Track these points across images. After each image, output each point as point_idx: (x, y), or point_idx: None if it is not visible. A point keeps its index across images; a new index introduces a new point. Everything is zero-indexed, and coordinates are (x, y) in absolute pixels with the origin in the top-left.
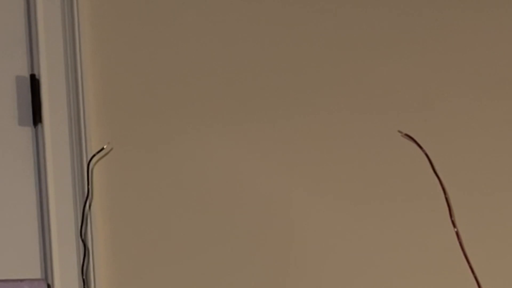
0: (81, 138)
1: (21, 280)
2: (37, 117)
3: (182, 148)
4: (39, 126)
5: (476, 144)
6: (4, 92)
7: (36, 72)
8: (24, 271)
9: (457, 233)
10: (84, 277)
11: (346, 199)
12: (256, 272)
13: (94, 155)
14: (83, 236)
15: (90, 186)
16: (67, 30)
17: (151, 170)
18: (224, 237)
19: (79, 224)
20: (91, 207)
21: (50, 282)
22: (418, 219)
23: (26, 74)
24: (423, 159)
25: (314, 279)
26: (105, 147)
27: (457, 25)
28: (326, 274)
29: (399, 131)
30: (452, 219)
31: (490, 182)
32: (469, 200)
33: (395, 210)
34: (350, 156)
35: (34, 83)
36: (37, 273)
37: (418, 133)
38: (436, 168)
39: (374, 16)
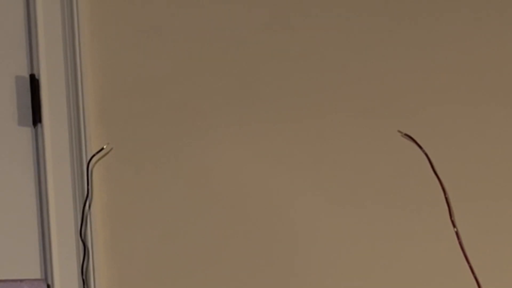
0: (81, 138)
1: (21, 280)
2: (36, 117)
3: (181, 148)
4: (38, 126)
5: (476, 144)
6: (3, 92)
7: (35, 72)
8: (24, 271)
9: (457, 233)
10: (84, 277)
11: (346, 199)
12: (257, 274)
13: (93, 155)
14: (83, 236)
15: (90, 186)
16: (67, 30)
17: (151, 170)
18: (224, 237)
19: (79, 224)
20: (91, 207)
21: (50, 282)
22: (418, 219)
23: (25, 74)
24: (423, 159)
25: (317, 280)
26: (104, 147)
27: (457, 26)
28: (328, 272)
29: (399, 131)
30: (452, 219)
31: (490, 182)
32: (469, 200)
33: (395, 210)
34: (351, 157)
35: (34, 83)
36: (37, 273)
37: (418, 133)
38: (436, 168)
39: (375, 19)
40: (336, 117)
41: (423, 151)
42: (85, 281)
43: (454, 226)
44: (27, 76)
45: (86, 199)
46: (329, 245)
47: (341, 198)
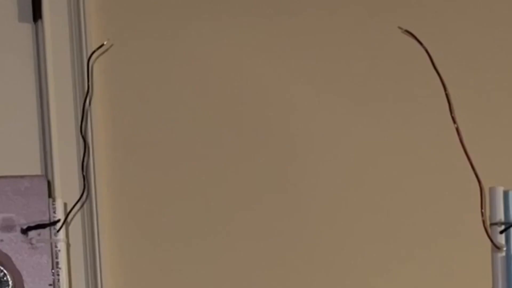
0: (81, 34)
1: (22, 177)
2: (37, 13)
3: (185, 41)
4: (39, 22)
5: (478, 42)
6: None
7: None
8: (24, 168)
9: (457, 129)
10: (84, 173)
11: (346, 96)
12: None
13: (94, 51)
14: (83, 132)
15: (90, 82)
16: None
17: (151, 67)
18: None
19: (79, 120)
20: (91, 103)
21: (50, 179)
22: (420, 116)
23: None
24: (423, 56)
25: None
26: (105, 43)
27: None
28: (324, 175)
29: (399, 27)
30: (452, 115)
31: (489, 79)
32: (470, 97)
33: (396, 108)
34: (351, 53)
35: None
36: (37, 170)
37: (417, 30)
38: (436, 64)
39: None
40: (337, 11)
41: (423, 47)
42: (85, 177)
43: (454, 122)
44: None
45: (86, 95)
46: (327, 152)
47: (340, 96)
